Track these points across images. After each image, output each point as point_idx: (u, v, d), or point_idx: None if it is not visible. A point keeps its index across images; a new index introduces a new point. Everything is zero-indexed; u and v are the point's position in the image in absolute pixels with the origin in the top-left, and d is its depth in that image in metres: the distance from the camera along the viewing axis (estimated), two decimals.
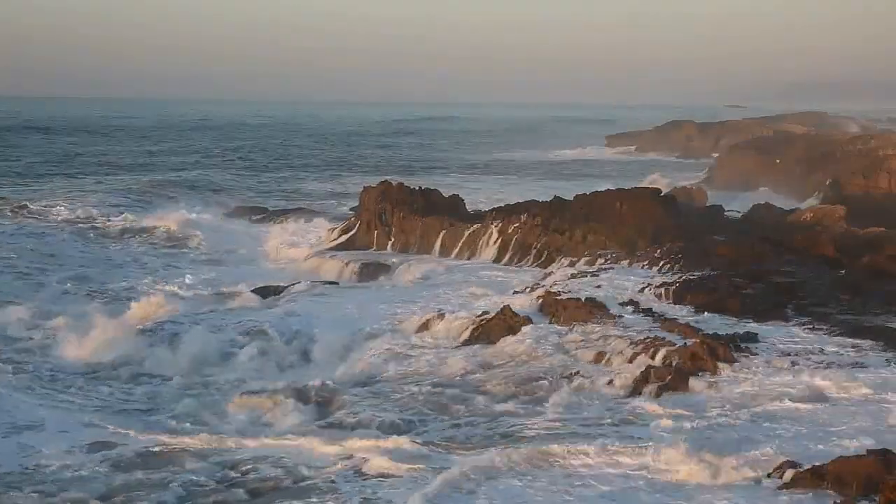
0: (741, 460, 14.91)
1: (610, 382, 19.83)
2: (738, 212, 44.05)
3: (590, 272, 30.55)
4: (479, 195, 58.93)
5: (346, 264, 37.24)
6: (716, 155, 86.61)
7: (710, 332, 21.76)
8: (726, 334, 21.77)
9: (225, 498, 15.13)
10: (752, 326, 22.85)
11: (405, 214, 40.09)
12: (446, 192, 43.61)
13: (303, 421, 19.08)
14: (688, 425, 16.84)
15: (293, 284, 32.28)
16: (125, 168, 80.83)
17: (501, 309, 25.02)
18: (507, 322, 24.32)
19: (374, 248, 39.92)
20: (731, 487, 14.06)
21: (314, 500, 14.49)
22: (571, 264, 32.69)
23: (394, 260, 37.29)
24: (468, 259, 37.18)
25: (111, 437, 17.96)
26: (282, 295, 30.92)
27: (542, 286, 28.91)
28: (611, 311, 24.44)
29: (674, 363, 19.98)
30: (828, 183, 51.25)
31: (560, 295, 26.41)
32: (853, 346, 20.96)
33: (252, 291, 31.67)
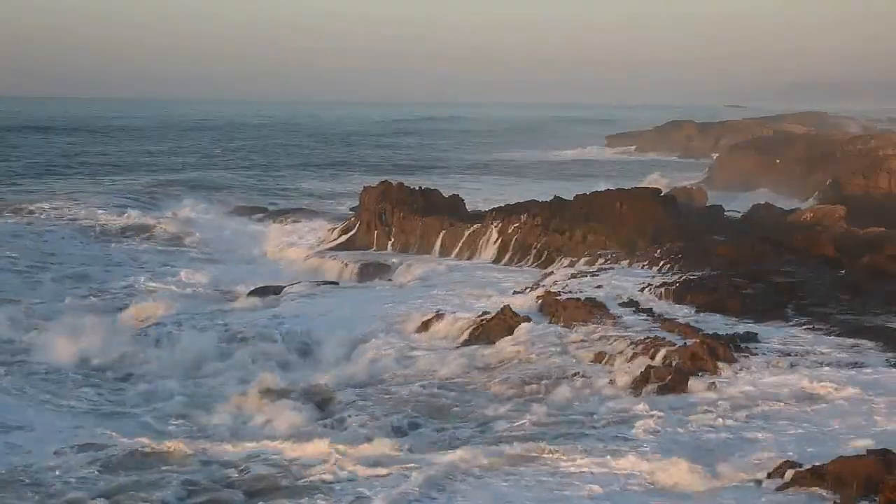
0: (741, 460, 14.93)
1: (610, 383, 19.82)
2: (738, 212, 44.05)
3: (590, 272, 30.55)
4: (479, 195, 58.93)
5: (346, 264, 37.26)
6: (716, 155, 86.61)
7: (710, 332, 21.75)
8: (726, 334, 21.76)
9: (222, 497, 15.10)
10: (752, 326, 22.84)
11: (405, 214, 40.10)
12: (446, 193, 43.64)
13: (301, 421, 19.04)
14: (687, 426, 16.83)
15: (293, 284, 32.28)
16: (125, 168, 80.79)
17: (501, 309, 25.01)
18: (507, 322, 24.31)
19: (374, 248, 39.94)
20: (730, 487, 14.04)
21: (307, 500, 14.42)
22: (571, 264, 32.69)
23: (394, 260, 37.31)
24: (468, 259, 37.19)
25: (106, 439, 17.85)
26: (281, 295, 30.92)
27: (542, 286, 28.91)
28: (611, 311, 24.43)
29: (674, 363, 19.97)
30: (828, 183, 51.27)
31: (560, 295, 26.41)
32: (853, 346, 20.94)
33: (252, 291, 31.67)
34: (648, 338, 21.62)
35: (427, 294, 30.08)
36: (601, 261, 32.10)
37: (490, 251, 37.16)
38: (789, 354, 20.44)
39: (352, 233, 41.42)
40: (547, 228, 36.32)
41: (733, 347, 20.72)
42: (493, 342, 23.63)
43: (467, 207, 43.22)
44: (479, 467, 15.25)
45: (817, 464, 13.91)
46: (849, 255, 29.96)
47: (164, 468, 16.18)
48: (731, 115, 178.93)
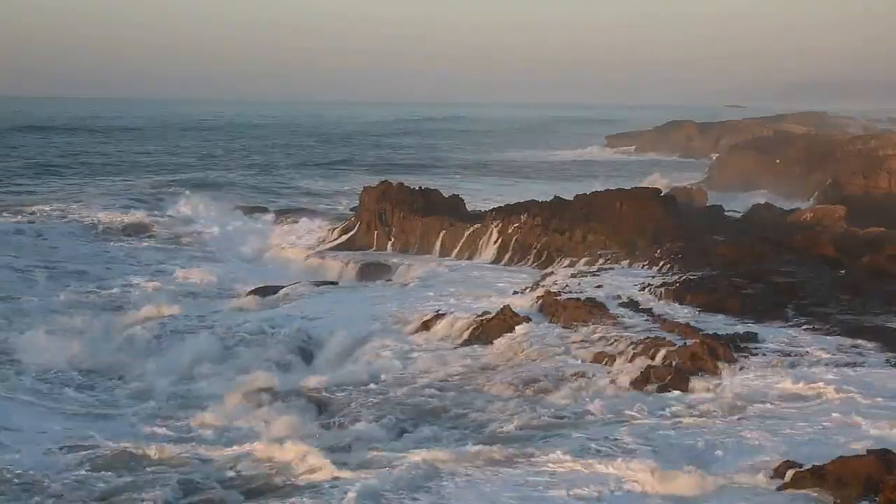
0: (741, 461, 14.92)
1: (610, 383, 19.82)
2: (738, 212, 44.04)
3: (590, 272, 30.54)
4: (479, 195, 58.92)
5: (346, 264, 37.27)
6: (716, 155, 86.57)
7: (710, 332, 21.74)
8: (726, 334, 21.75)
9: (216, 498, 15.09)
10: (752, 326, 22.83)
11: (405, 214, 40.10)
12: (446, 193, 43.64)
13: (300, 421, 19.01)
14: (686, 426, 16.83)
15: (293, 284, 32.25)
16: (125, 167, 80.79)
17: (501, 309, 25.00)
18: (507, 322, 24.31)
19: (374, 248, 39.94)
20: (730, 488, 14.04)
21: (296, 499, 14.39)
22: (571, 264, 32.68)
23: (394, 260, 37.32)
24: (468, 259, 37.18)
25: (101, 440, 17.78)
26: (281, 295, 30.89)
27: (542, 286, 28.90)
28: (611, 311, 24.43)
29: (674, 363, 19.98)
30: (828, 183, 51.27)
31: (560, 295, 26.40)
32: (853, 346, 20.94)
33: (252, 291, 31.66)
34: (648, 338, 21.62)
35: (427, 294, 30.07)
36: (601, 261, 32.10)
37: (490, 251, 37.15)
38: (789, 354, 20.44)
39: (352, 233, 41.43)
40: (547, 228, 36.31)
41: (733, 347, 20.72)
42: (493, 342, 23.62)
43: (467, 207, 43.22)
44: (471, 467, 15.22)
45: (817, 464, 13.90)
46: (849, 255, 29.95)
47: (159, 469, 16.13)
48: (731, 115, 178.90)
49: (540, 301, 26.20)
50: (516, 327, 23.99)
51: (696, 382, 19.13)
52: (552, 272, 32.09)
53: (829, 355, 20.29)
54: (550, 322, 24.54)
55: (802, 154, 63.40)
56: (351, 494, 14.17)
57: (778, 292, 25.92)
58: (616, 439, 16.22)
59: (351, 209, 48.83)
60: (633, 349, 21.11)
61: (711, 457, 15.25)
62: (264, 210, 52.12)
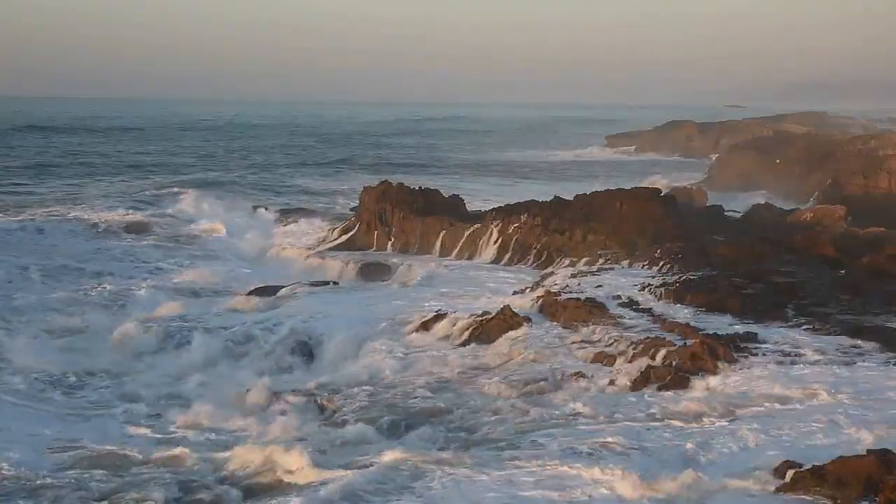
0: (741, 461, 14.91)
1: (610, 383, 19.81)
2: (738, 212, 44.04)
3: (590, 272, 30.55)
4: (479, 195, 58.90)
5: (346, 264, 37.26)
6: (715, 155, 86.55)
7: (710, 332, 21.74)
8: (726, 334, 21.75)
9: (216, 497, 15.09)
10: (752, 326, 22.83)
11: (405, 214, 40.10)
12: (446, 193, 43.64)
13: (299, 422, 19.00)
14: (684, 427, 16.82)
15: (293, 284, 32.24)
16: (125, 167, 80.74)
17: (501, 309, 25.00)
18: (506, 322, 24.30)
19: (374, 248, 39.94)
20: (730, 488, 14.02)
21: (301, 499, 14.37)
22: (571, 264, 32.68)
23: (394, 260, 37.31)
24: (468, 259, 37.19)
25: (98, 441, 17.76)
26: (281, 295, 30.87)
27: (542, 286, 28.91)
28: (611, 311, 24.42)
29: (674, 363, 19.98)
30: (828, 183, 51.26)
31: (560, 295, 26.40)
32: (853, 347, 20.94)
33: (251, 291, 31.64)
34: (648, 338, 21.62)
35: (427, 294, 30.09)
36: (601, 261, 32.10)
37: (490, 251, 37.15)
38: (789, 354, 20.44)
39: (352, 233, 41.43)
40: (547, 228, 36.31)
41: (733, 347, 20.71)
42: (493, 342, 23.62)
43: (467, 207, 43.23)
44: (459, 468, 15.15)
45: (817, 464, 13.90)
46: (849, 255, 29.95)
47: (156, 470, 16.09)
48: (731, 115, 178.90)
49: (540, 301, 26.20)
50: (516, 327, 23.99)
51: (696, 382, 19.12)
52: (552, 272, 32.10)
53: (829, 355, 20.29)
54: (550, 322, 24.54)
55: (802, 154, 63.38)
56: (336, 494, 14.09)
57: (778, 292, 25.92)
58: (610, 441, 16.13)
59: (351, 209, 48.83)
60: (633, 349, 21.12)
61: (709, 457, 15.23)
62: (264, 210, 52.11)
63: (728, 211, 43.08)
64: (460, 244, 38.11)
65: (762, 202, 46.70)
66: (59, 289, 32.32)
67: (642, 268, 30.34)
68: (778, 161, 64.29)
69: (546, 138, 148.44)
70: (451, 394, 20.34)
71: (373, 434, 18.12)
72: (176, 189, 57.94)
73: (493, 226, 38.00)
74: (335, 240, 41.66)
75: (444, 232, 38.95)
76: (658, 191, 41.11)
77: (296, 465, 15.75)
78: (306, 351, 24.85)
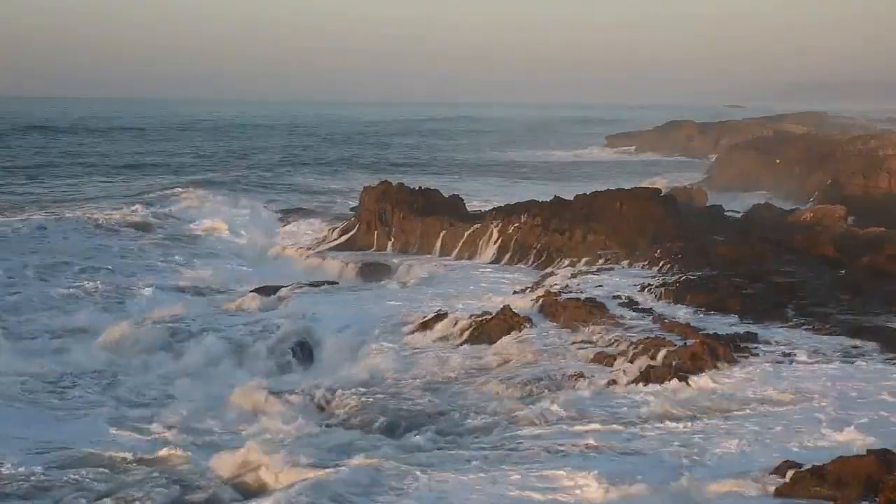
0: (740, 461, 14.91)
1: (610, 383, 19.81)
2: (738, 212, 44.03)
3: (590, 272, 30.55)
4: (479, 195, 58.91)
5: (346, 264, 37.27)
6: (715, 155, 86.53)
7: (710, 332, 21.75)
8: (726, 334, 21.76)
9: (213, 497, 15.08)
10: (752, 326, 22.84)
11: (405, 214, 40.11)
12: (446, 193, 43.66)
13: (298, 423, 18.97)
14: (683, 427, 16.81)
15: (293, 284, 32.24)
16: (126, 167, 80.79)
17: (501, 309, 24.99)
18: (506, 322, 24.30)
19: (374, 248, 39.95)
20: (730, 489, 14.01)
21: (298, 499, 14.35)
22: (571, 264, 32.68)
23: (394, 260, 37.32)
24: (468, 259, 37.19)
25: (95, 443, 17.67)
26: (281, 295, 30.86)
27: (542, 286, 28.91)
28: (611, 311, 24.42)
29: (674, 363, 19.98)
30: (828, 183, 51.25)
31: (560, 295, 26.40)
32: (853, 347, 20.95)
33: (251, 291, 31.62)
34: (648, 338, 21.61)
35: (427, 294, 30.09)
36: (601, 261, 32.10)
37: (490, 251, 37.15)
38: (789, 354, 20.45)
39: (352, 233, 41.43)
40: (547, 228, 36.31)
41: (733, 347, 20.72)
42: (493, 342, 23.62)
43: (467, 207, 43.25)
44: (450, 469, 15.09)
45: (817, 464, 13.89)
46: (849, 255, 29.95)
47: (154, 471, 15.99)
48: (731, 115, 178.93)
49: (540, 301, 26.20)
50: (516, 328, 23.99)
51: (695, 382, 19.11)
52: (552, 272, 32.11)
53: (829, 355, 20.30)
54: (550, 322, 24.54)
55: (802, 154, 63.34)
56: (323, 494, 14.05)
57: (778, 292, 25.92)
58: (607, 443, 16.05)
59: (351, 209, 48.85)
60: (634, 349, 21.12)
61: (708, 458, 15.22)
62: (265, 210, 52.14)
63: (728, 211, 43.08)
64: (460, 244, 38.10)
65: (762, 202, 46.69)
66: (58, 288, 32.28)
67: (642, 268, 30.35)
68: (778, 161, 64.27)
69: (546, 138, 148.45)
70: (451, 394, 20.32)
71: (370, 434, 18.12)
72: (176, 189, 57.97)
73: (493, 226, 38.00)
74: (335, 240, 41.66)
75: (444, 232, 38.95)
76: (658, 191, 41.11)
77: (293, 465, 15.71)
78: (306, 351, 24.85)
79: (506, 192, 61.35)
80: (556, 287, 28.06)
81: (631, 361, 20.57)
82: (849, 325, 22.59)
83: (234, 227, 47.09)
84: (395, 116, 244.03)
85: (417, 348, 24.04)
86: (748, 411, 17.35)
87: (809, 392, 18.04)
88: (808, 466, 13.90)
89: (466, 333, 24.47)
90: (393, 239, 39.84)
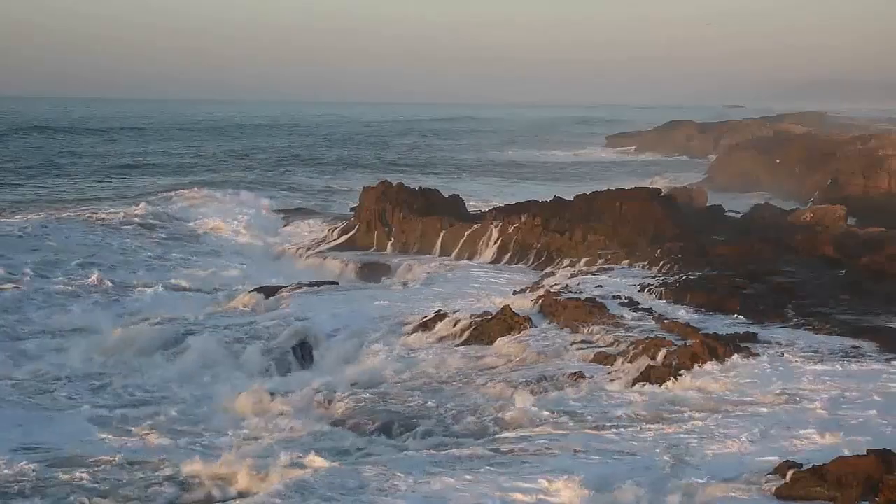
0: (740, 461, 14.90)
1: (610, 383, 19.79)
2: (738, 212, 44.03)
3: (590, 272, 30.54)
4: (479, 195, 58.93)
5: (346, 264, 37.27)
6: (715, 156, 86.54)
7: (710, 332, 21.74)
8: (726, 334, 21.75)
9: (211, 497, 15.07)
10: (752, 326, 22.83)
11: (405, 214, 40.12)
12: (446, 193, 43.67)
13: (297, 423, 18.96)
14: (684, 427, 16.79)
15: (292, 284, 32.21)
16: (126, 167, 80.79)
17: (501, 309, 24.98)
18: (506, 322, 24.28)
19: (375, 248, 39.95)
20: (729, 489, 14.01)
21: (294, 500, 14.32)
22: (571, 264, 32.67)
23: (394, 260, 37.32)
24: (468, 259, 37.18)
25: (93, 445, 17.65)
26: (280, 295, 30.83)
27: (542, 286, 28.90)
28: (611, 311, 24.41)
29: (674, 363, 19.96)
30: (828, 183, 51.26)
31: (560, 295, 26.38)
32: (853, 347, 20.94)
33: (251, 291, 31.59)
34: (648, 338, 21.60)
35: (427, 294, 30.06)
36: (601, 261, 32.08)
37: (490, 251, 37.15)
38: (789, 354, 20.42)
39: (352, 233, 41.43)
40: (547, 228, 36.31)
41: (733, 347, 20.69)
42: (493, 343, 23.61)
43: (467, 207, 43.25)
44: (435, 471, 14.98)
45: (817, 464, 13.88)
46: (849, 255, 29.94)
47: (161, 470, 16.06)
48: (731, 115, 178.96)
49: (540, 301, 26.19)
50: (516, 328, 23.98)
51: (695, 383, 19.10)
52: (552, 272, 32.11)
53: (828, 355, 20.28)
54: (550, 322, 24.53)
55: (802, 154, 63.35)
56: (310, 494, 14.01)
57: (778, 292, 25.91)
58: (602, 444, 15.98)
59: (351, 209, 48.86)
60: (634, 349, 21.10)
61: (707, 458, 15.18)
62: (265, 210, 52.12)
63: (728, 211, 43.09)
64: (460, 244, 38.10)
65: (762, 202, 46.69)
66: (57, 287, 32.29)
67: (642, 268, 30.34)
68: (778, 161, 64.28)
69: (546, 138, 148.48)
70: (450, 395, 20.29)
71: (368, 435, 18.10)
72: (176, 188, 57.99)
73: (493, 226, 37.99)
74: (335, 240, 41.66)
75: (444, 232, 38.95)
76: (658, 191, 41.14)
77: (289, 466, 15.69)
78: (305, 351, 24.82)
79: (506, 192, 61.39)
80: (556, 287, 28.04)
81: (631, 361, 20.55)
82: (849, 325, 22.57)
83: (233, 227, 47.08)
84: (395, 116, 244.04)
85: (417, 348, 24.02)
86: (747, 412, 17.32)
87: (809, 392, 18.02)
88: (808, 466, 13.89)
89: (466, 334, 24.45)
90: (393, 239, 39.84)
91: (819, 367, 19.50)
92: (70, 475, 15.88)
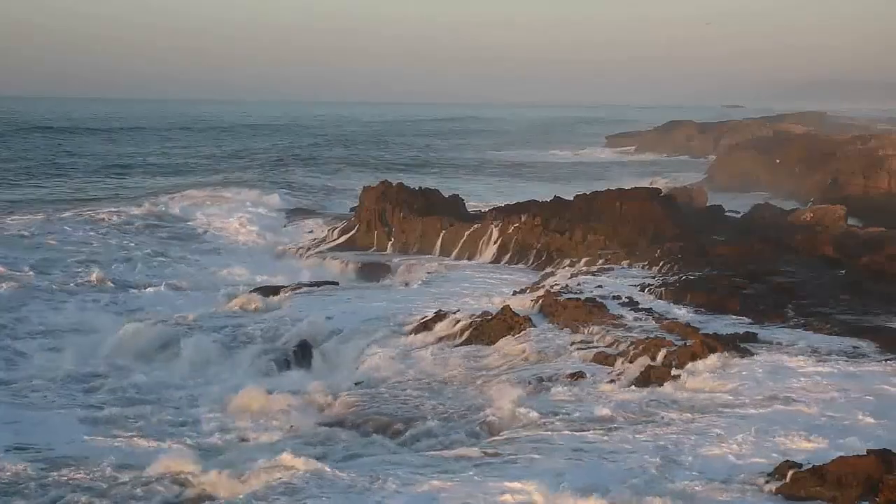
0: (739, 461, 14.90)
1: (610, 383, 19.79)
2: (738, 212, 44.04)
3: (590, 272, 30.54)
4: (480, 195, 58.95)
5: (346, 264, 37.28)
6: (714, 156, 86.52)
7: (710, 332, 21.73)
8: (726, 334, 21.74)
9: (208, 497, 15.06)
10: (752, 326, 22.83)
11: (405, 214, 40.12)
12: (446, 193, 43.67)
13: (297, 424, 18.95)
14: (683, 427, 16.79)
15: (292, 284, 32.22)
16: (127, 167, 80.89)
17: (501, 309, 24.97)
18: (506, 322, 24.27)
19: (375, 248, 39.96)
20: (729, 490, 14.01)
21: (292, 501, 14.34)
22: (571, 264, 32.66)
23: (394, 260, 37.32)
24: (468, 259, 37.19)
25: (89, 443, 17.68)
26: (281, 295, 30.84)
27: (542, 286, 28.89)
28: (611, 311, 24.39)
29: (674, 363, 19.95)
30: (828, 183, 51.27)
31: (560, 295, 26.38)
32: (853, 347, 20.93)
33: (251, 291, 31.61)
34: (648, 338, 21.59)
35: (427, 294, 30.05)
36: (601, 261, 32.08)
37: (490, 251, 37.16)
38: (789, 354, 20.42)
39: (352, 233, 41.44)
40: (547, 228, 36.31)
41: (733, 347, 20.68)
42: (493, 343, 23.59)
43: (467, 207, 43.25)
44: (422, 473, 14.98)
45: (817, 464, 13.89)
46: (849, 255, 29.95)
47: (145, 473, 15.90)
48: (731, 115, 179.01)
49: (540, 301, 26.18)
50: (516, 328, 23.96)
51: (694, 383, 19.10)
52: (552, 272, 32.11)
53: (828, 355, 20.26)
54: (550, 322, 24.52)
55: (802, 154, 63.35)
56: (298, 494, 13.95)
57: (778, 292, 25.91)
58: (600, 445, 15.96)
59: (351, 209, 48.88)
60: (634, 349, 21.09)
61: (706, 458, 15.18)
62: (265, 210, 52.15)
63: (728, 211, 43.10)
64: (460, 244, 38.10)
65: (762, 202, 46.69)
66: (57, 287, 32.29)
67: (642, 268, 30.34)
68: (778, 161, 64.27)
69: (546, 138, 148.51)
70: (450, 395, 20.28)
71: (367, 436, 18.09)
72: (176, 188, 58.09)
73: (493, 226, 38.00)
74: (335, 240, 41.66)
75: (444, 232, 38.96)
76: (658, 191, 41.16)
77: (286, 466, 15.68)
78: (305, 351, 24.80)
79: (506, 192, 61.38)
80: (556, 287, 28.03)
81: (631, 362, 20.54)
82: (849, 325, 22.57)
83: (233, 226, 47.14)
84: (395, 116, 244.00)
85: (417, 349, 24.00)
86: (747, 412, 17.31)
87: (809, 392, 18.00)
88: (808, 466, 13.90)
89: (466, 334, 24.44)
90: (393, 239, 39.84)
91: (819, 367, 19.49)
92: (61, 475, 15.91)
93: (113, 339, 25.46)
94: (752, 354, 20.44)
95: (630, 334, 22.32)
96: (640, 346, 21.06)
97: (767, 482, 13.94)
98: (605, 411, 17.87)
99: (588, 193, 39.93)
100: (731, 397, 18.14)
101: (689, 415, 17.38)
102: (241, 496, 14.36)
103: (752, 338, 21.67)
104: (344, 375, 22.51)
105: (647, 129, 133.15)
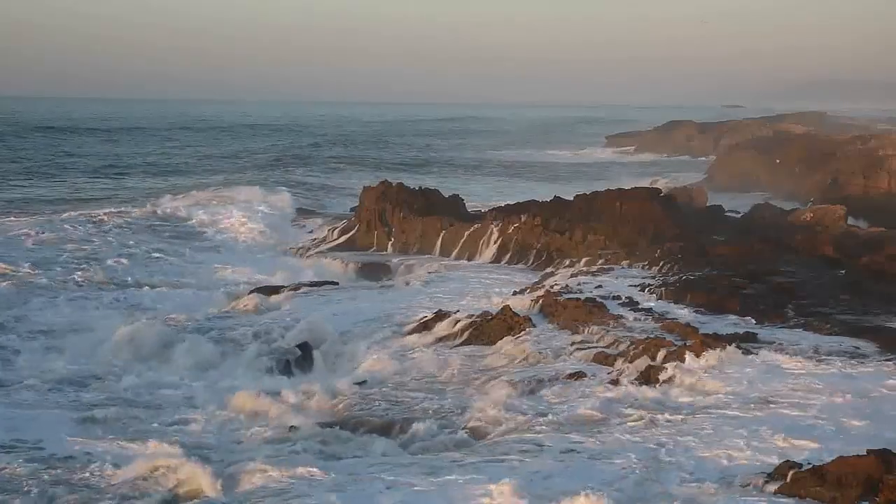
0: (739, 461, 14.89)
1: (610, 383, 19.78)
2: (738, 212, 44.05)
3: (590, 272, 30.54)
4: (479, 195, 58.94)
5: (346, 264, 37.26)
6: (714, 156, 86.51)
7: (710, 333, 21.73)
8: (726, 334, 21.74)
9: (207, 497, 15.06)
10: (752, 326, 22.83)
11: (405, 214, 40.13)
12: (446, 193, 43.68)
13: (296, 424, 18.93)
14: (683, 427, 16.78)
15: (292, 285, 32.20)
16: (127, 167, 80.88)
17: (501, 309, 24.97)
18: (506, 322, 24.27)
19: (375, 248, 39.96)
20: (729, 488, 14.01)
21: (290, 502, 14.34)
22: (571, 264, 32.67)
23: (394, 260, 37.32)
24: (468, 259, 37.20)
25: (92, 442, 17.62)
26: (280, 295, 30.82)
27: (542, 286, 28.89)
28: (611, 311, 24.39)
29: (674, 363, 19.93)
30: (828, 183, 51.28)
31: (560, 295, 26.37)
32: (853, 347, 20.94)
33: (251, 292, 31.59)
34: (648, 338, 21.59)
35: (427, 294, 30.04)
36: (601, 261, 32.08)
37: (490, 251, 37.16)
38: (789, 354, 20.42)
39: (352, 233, 41.44)
40: (547, 228, 36.32)
41: (733, 347, 20.67)
42: (493, 343, 23.59)
43: (467, 207, 43.26)
44: (411, 474, 15.00)
45: (817, 464, 13.89)
46: (849, 255, 29.95)
47: (144, 473, 15.85)
48: (731, 115, 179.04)
49: (540, 301, 26.18)
50: (516, 328, 23.96)
51: (694, 383, 19.09)
52: (552, 272, 32.10)
53: (828, 355, 20.28)
54: (550, 322, 24.52)
55: (802, 154, 63.38)
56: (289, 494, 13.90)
57: (778, 292, 25.91)
58: (597, 445, 15.96)
59: (351, 209, 48.87)
60: (634, 349, 21.09)
61: (705, 458, 15.19)
62: (265, 210, 52.08)
63: (728, 211, 43.10)
64: (460, 244, 38.11)
65: (762, 202, 46.70)
66: (56, 286, 32.27)
67: (642, 268, 30.34)
68: (778, 161, 64.29)
69: (546, 138, 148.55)
70: (450, 395, 20.27)
71: (366, 436, 18.07)
72: (176, 188, 58.09)
73: (493, 226, 38.00)
74: (335, 240, 41.67)
75: (444, 232, 38.96)
76: (658, 191, 41.18)
77: (284, 466, 15.69)
78: (305, 352, 24.79)
79: (506, 192, 61.38)
80: (556, 287, 28.03)
81: (631, 362, 20.54)
82: (849, 325, 22.57)
83: (234, 227, 47.07)
84: (395, 116, 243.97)
85: (417, 349, 24.00)
86: (747, 412, 17.31)
87: (809, 392, 18.01)
88: (808, 466, 13.90)
89: (466, 334, 24.43)
90: (393, 239, 39.85)
91: (819, 367, 19.50)
92: (55, 474, 15.87)
93: (112, 339, 25.38)
94: (752, 354, 20.45)
95: (630, 334, 22.32)
96: (640, 346, 21.06)
97: (767, 482, 13.93)
98: (605, 412, 17.87)
99: (588, 193, 39.94)
100: (731, 397, 18.14)
101: (689, 415, 17.37)
102: (231, 497, 14.34)
103: (751, 338, 21.68)
104: (343, 376, 22.48)
105: (647, 129, 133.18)
